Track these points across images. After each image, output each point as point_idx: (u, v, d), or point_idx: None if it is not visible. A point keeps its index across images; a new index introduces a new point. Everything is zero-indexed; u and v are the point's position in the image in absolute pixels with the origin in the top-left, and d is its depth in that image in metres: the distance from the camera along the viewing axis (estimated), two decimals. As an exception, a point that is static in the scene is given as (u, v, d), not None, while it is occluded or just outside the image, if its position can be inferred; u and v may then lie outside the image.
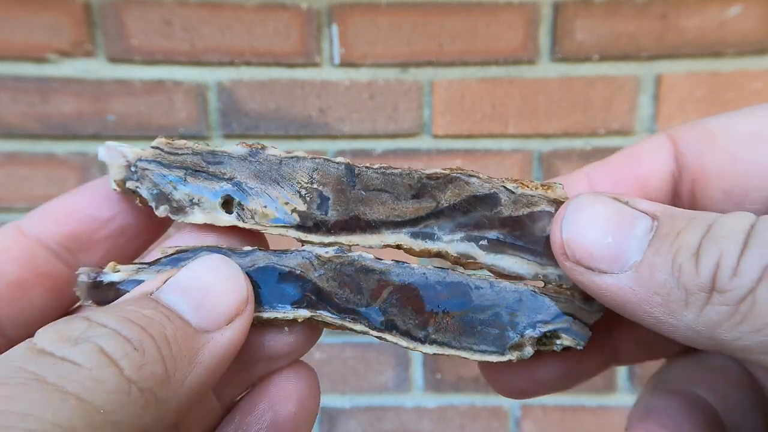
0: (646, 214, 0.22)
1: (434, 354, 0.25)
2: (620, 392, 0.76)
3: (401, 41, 0.68)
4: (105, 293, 0.24)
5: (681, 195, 0.26)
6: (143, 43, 0.67)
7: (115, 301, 0.22)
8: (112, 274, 0.24)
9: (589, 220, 0.22)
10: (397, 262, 0.25)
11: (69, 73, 0.67)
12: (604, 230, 0.22)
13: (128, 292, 0.23)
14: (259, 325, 0.25)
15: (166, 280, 0.22)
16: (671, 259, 0.20)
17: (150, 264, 0.24)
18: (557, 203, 0.25)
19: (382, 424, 0.76)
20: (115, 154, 0.24)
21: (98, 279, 0.24)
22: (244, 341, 0.23)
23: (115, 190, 0.25)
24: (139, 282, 0.24)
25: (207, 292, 0.22)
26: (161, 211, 0.25)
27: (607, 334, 0.29)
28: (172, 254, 0.24)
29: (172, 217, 0.25)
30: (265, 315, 0.25)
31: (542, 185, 0.25)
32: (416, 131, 0.70)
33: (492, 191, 0.25)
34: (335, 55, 0.68)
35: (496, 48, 0.68)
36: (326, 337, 0.74)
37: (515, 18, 0.67)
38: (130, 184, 0.25)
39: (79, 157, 0.69)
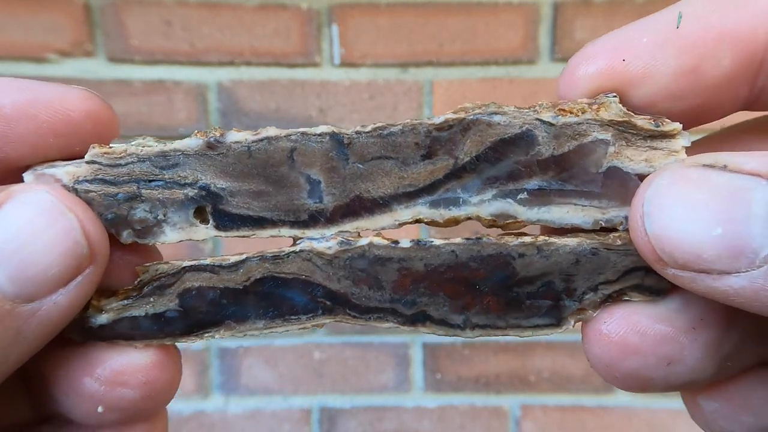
0: (761, 176, 0.16)
1: (478, 338, 0.22)
2: (620, 392, 0.75)
3: (401, 41, 0.68)
4: (101, 334, 0.21)
5: None
6: (143, 43, 0.67)
7: None
8: (100, 316, 0.21)
9: (680, 211, 0.16)
10: (418, 242, 0.21)
11: (69, 73, 0.67)
12: (708, 219, 0.16)
13: (126, 331, 0.21)
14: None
15: None
16: None
17: (135, 296, 0.21)
18: (615, 126, 0.20)
19: (382, 424, 0.76)
20: (45, 180, 0.20)
21: (87, 325, 0.21)
22: (84, 303, 0.20)
23: None
24: (135, 320, 0.21)
25: (29, 250, 0.17)
26: (125, 237, 0.21)
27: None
28: (153, 283, 0.21)
29: (140, 241, 0.21)
30: (279, 329, 0.21)
31: (590, 105, 0.20)
32: (416, 131, 0.70)
33: (524, 128, 0.20)
34: (335, 55, 0.68)
35: (496, 48, 0.68)
36: (326, 337, 0.74)
37: (515, 18, 0.67)
38: None
39: (79, 157, 0.69)
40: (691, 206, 0.16)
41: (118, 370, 0.21)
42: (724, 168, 0.16)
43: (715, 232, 0.16)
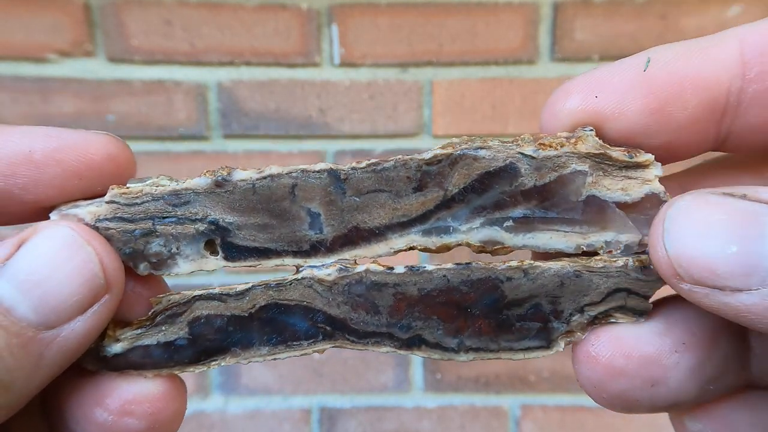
0: None
1: (473, 360, 0.23)
2: (620, 392, 0.75)
3: (401, 41, 0.68)
4: (116, 363, 0.22)
5: None
6: (143, 43, 0.67)
7: None
8: (114, 345, 0.22)
9: (699, 229, 0.18)
10: (411, 268, 0.22)
11: (69, 73, 0.67)
12: (724, 238, 0.17)
13: (138, 360, 0.22)
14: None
15: (8, 258, 0.19)
16: None
17: (149, 326, 0.23)
18: (592, 158, 0.21)
19: (382, 424, 0.76)
20: (70, 219, 0.22)
21: (102, 354, 0.22)
22: (101, 330, 0.21)
23: None
24: (147, 348, 0.22)
25: (51, 281, 0.19)
26: (142, 270, 0.22)
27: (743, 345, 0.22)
28: (165, 312, 0.23)
29: (155, 273, 0.22)
30: (282, 355, 0.23)
31: (568, 139, 0.21)
32: (416, 131, 0.70)
33: (508, 162, 0.21)
34: (335, 55, 0.68)
35: (496, 48, 0.68)
36: (326, 337, 0.74)
37: (515, 18, 0.67)
38: None
39: (79, 157, 0.69)
40: (709, 225, 0.17)
41: (126, 399, 0.22)
42: (744, 197, 0.18)
43: (730, 250, 0.17)
